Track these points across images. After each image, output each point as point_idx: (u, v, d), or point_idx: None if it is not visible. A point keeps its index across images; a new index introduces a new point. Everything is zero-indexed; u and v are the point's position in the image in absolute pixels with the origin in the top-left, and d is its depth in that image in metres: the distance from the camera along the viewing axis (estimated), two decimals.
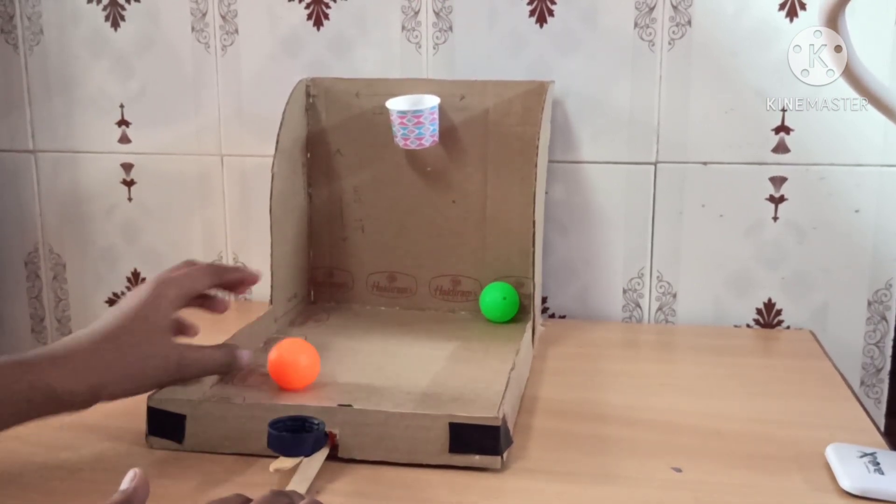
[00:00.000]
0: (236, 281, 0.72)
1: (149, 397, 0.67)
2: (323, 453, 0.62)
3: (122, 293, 1.13)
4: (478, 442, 0.62)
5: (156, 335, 0.64)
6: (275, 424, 0.62)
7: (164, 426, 0.66)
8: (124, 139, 1.09)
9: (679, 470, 0.63)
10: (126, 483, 0.51)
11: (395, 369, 0.81)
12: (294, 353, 0.74)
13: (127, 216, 1.11)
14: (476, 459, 0.62)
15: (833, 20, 0.62)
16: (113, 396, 0.62)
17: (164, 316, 0.64)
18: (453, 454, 0.62)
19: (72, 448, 0.67)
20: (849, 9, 0.63)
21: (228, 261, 1.09)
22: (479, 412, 0.63)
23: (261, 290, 1.08)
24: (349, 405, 0.65)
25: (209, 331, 0.72)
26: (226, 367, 0.70)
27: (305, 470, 0.60)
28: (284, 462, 0.60)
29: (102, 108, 1.09)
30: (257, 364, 0.77)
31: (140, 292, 0.65)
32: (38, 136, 1.11)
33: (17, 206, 1.14)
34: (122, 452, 0.66)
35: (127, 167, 1.10)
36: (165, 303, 0.65)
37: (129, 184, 1.10)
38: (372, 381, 0.78)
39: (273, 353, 0.73)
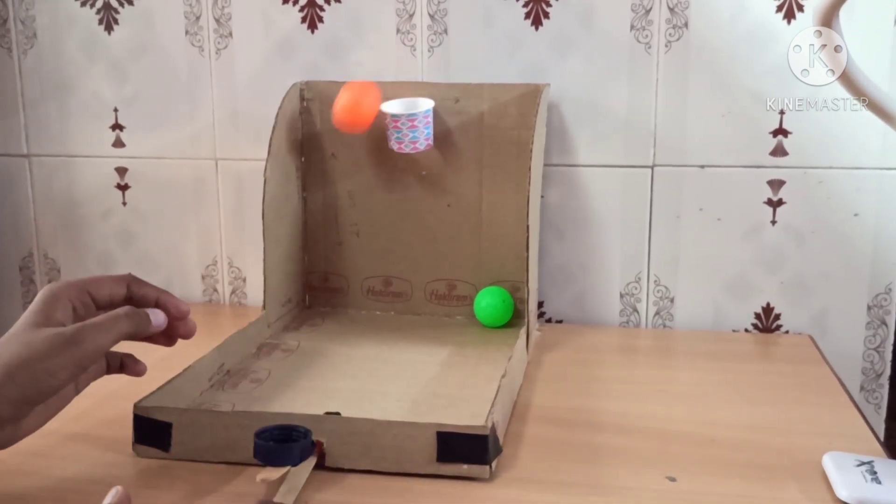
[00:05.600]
0: (157, 302, 0.63)
1: (135, 405, 0.66)
2: (310, 463, 0.61)
3: None
4: (466, 451, 0.61)
5: (39, 335, 0.56)
6: (261, 434, 0.61)
7: (151, 434, 0.65)
8: (118, 143, 1.08)
9: (674, 479, 0.63)
10: (108, 500, 0.51)
11: (389, 375, 0.81)
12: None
13: (122, 221, 1.10)
14: (464, 469, 0.61)
15: (827, 22, 0.61)
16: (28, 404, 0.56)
17: (48, 314, 0.57)
18: (441, 463, 0.61)
19: (58, 456, 0.66)
20: (847, 10, 0.62)
21: (223, 266, 1.09)
22: (467, 420, 0.62)
23: (254, 295, 1.08)
24: (336, 413, 0.64)
25: (202, 335, 0.70)
26: (133, 330, 0.60)
27: (293, 480, 0.59)
28: (271, 472, 0.59)
29: (96, 112, 1.08)
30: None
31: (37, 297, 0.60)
32: (32, 141, 1.11)
33: (11, 211, 1.14)
34: (108, 461, 0.66)
35: (121, 171, 1.09)
36: (55, 300, 0.58)
37: (123, 188, 1.09)
38: (364, 387, 0.78)
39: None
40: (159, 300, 0.63)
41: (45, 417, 0.60)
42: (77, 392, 0.62)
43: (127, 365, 0.65)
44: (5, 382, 0.54)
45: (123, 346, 0.62)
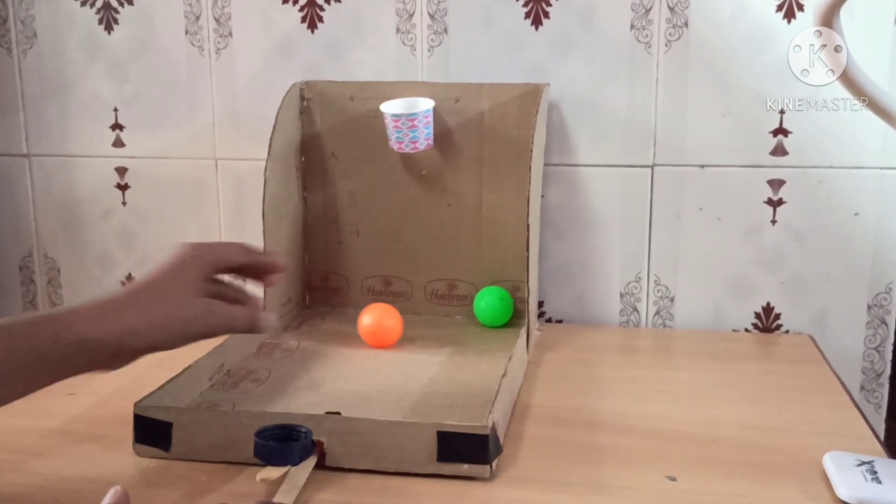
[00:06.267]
0: (263, 265, 0.69)
1: (135, 404, 0.66)
2: (310, 462, 0.61)
3: None
4: (466, 450, 0.61)
5: (181, 289, 0.62)
6: (261, 433, 0.61)
7: (151, 434, 0.65)
8: (118, 143, 1.08)
9: (674, 479, 0.63)
10: (107, 499, 0.51)
11: (389, 375, 0.81)
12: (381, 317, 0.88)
13: (121, 220, 1.10)
14: (465, 468, 0.61)
15: (827, 22, 0.61)
16: (140, 350, 0.60)
17: (191, 274, 0.62)
18: (442, 463, 0.61)
19: (58, 456, 0.66)
20: (847, 10, 0.62)
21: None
22: (467, 420, 0.62)
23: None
24: (337, 413, 0.64)
25: None
26: (247, 328, 0.65)
27: (293, 479, 0.59)
28: (271, 471, 0.59)
29: (96, 111, 1.08)
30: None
31: (169, 255, 0.64)
32: (32, 141, 1.11)
33: (11, 210, 1.14)
34: (108, 461, 0.66)
35: (121, 171, 1.09)
36: (193, 263, 0.63)
37: (123, 188, 1.09)
38: (364, 387, 0.78)
39: (366, 319, 0.88)
40: (270, 267, 0.67)
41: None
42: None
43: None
44: (140, 333, 0.58)
45: None
